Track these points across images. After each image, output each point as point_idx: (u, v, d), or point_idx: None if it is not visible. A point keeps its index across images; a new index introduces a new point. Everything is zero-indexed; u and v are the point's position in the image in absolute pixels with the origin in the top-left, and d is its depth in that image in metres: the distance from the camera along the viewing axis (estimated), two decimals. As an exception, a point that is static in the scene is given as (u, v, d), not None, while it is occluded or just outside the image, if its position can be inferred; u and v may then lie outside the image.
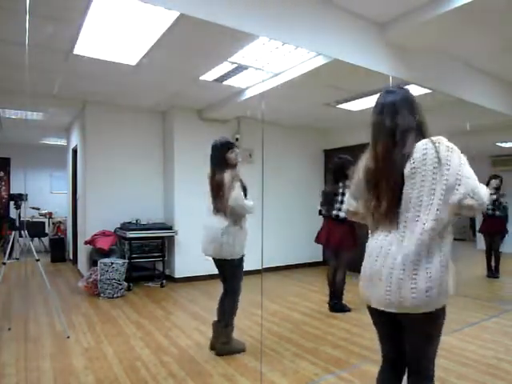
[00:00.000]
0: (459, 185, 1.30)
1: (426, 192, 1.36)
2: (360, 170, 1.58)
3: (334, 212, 4.08)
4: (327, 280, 4.28)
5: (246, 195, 2.96)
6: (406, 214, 1.41)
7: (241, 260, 2.96)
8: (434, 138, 1.39)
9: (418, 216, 1.37)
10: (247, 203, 2.90)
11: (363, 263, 1.55)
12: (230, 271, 2.98)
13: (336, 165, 4.19)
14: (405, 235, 1.40)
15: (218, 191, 2.90)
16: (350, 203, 1.71)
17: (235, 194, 2.83)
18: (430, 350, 1.54)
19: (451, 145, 1.37)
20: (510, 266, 6.31)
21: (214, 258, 2.99)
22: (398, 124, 1.46)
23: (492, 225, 5.90)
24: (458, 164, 1.32)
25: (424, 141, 1.41)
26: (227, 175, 2.87)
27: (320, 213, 4.33)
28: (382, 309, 1.44)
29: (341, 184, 4.07)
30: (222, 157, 2.93)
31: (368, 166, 1.53)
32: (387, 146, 1.46)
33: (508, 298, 5.07)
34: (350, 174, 4.09)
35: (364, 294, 1.54)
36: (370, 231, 1.58)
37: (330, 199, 4.14)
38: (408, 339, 1.53)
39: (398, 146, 1.44)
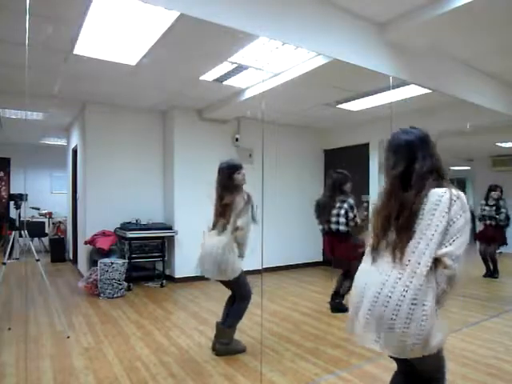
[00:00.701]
0: (450, 244, 1.37)
1: (424, 238, 1.39)
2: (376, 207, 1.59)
3: (334, 226, 4.07)
4: (337, 280, 4.27)
5: (254, 216, 2.98)
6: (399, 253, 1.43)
7: (242, 272, 2.97)
8: (454, 192, 1.40)
9: (409, 260, 1.40)
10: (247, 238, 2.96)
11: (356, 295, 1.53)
12: (235, 285, 3.01)
13: (334, 179, 4.19)
14: (402, 275, 1.41)
15: (225, 211, 2.89)
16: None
17: (247, 220, 2.88)
18: (435, 363, 1.55)
19: (466, 207, 1.40)
20: (509, 267, 6.31)
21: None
22: (415, 169, 1.47)
23: (489, 233, 5.88)
24: (461, 228, 1.37)
25: (444, 189, 1.42)
26: (243, 196, 2.88)
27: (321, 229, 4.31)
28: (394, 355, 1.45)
29: (337, 199, 4.09)
30: (229, 178, 2.93)
31: (381, 202, 1.54)
32: (400, 188, 1.47)
33: (508, 298, 5.08)
34: (347, 190, 4.13)
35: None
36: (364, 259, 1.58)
37: (326, 213, 4.12)
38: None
39: (412, 189, 1.45)
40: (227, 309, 3.12)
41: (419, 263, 1.37)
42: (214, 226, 2.98)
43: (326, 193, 4.26)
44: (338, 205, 4.07)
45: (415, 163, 1.48)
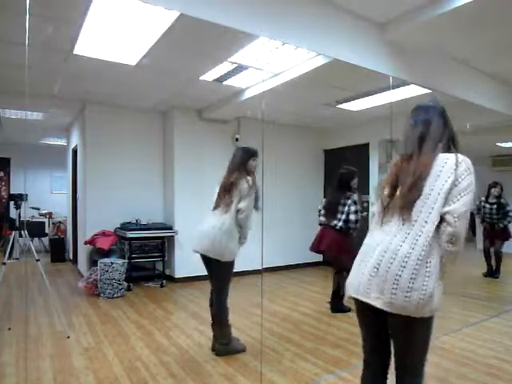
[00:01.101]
0: (454, 202, 1.41)
1: (431, 198, 1.43)
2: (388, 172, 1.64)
3: (335, 222, 4.07)
4: (333, 280, 4.28)
5: (257, 204, 3.00)
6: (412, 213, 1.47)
7: (233, 262, 2.95)
8: (460, 156, 1.46)
9: (415, 221, 1.44)
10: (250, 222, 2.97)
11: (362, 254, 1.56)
12: (222, 271, 2.94)
13: (341, 175, 4.19)
14: (408, 234, 1.44)
15: (230, 190, 2.91)
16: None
17: (248, 203, 2.88)
18: (418, 351, 1.52)
19: (472, 169, 1.45)
20: (510, 267, 6.31)
21: (205, 256, 2.94)
22: (429, 133, 1.55)
23: (495, 234, 5.91)
24: (466, 187, 1.41)
25: (449, 154, 1.49)
26: (247, 180, 2.90)
27: (320, 223, 4.29)
28: (384, 308, 1.43)
29: (343, 195, 4.09)
30: (244, 161, 2.99)
31: (395, 164, 1.60)
32: (416, 150, 1.54)
33: (508, 298, 5.08)
34: (353, 186, 4.13)
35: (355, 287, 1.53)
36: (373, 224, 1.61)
37: (333, 209, 4.13)
38: (394, 339, 1.54)
39: (424, 151, 1.51)
40: (212, 309, 3.08)
41: (426, 221, 1.41)
42: (217, 206, 2.97)
43: (334, 191, 4.24)
44: (342, 201, 4.08)
45: (430, 127, 1.57)
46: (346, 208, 4.03)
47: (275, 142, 6.04)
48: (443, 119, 1.59)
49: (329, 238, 4.06)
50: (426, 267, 1.38)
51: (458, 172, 1.42)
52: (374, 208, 1.66)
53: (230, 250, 2.86)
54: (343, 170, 4.22)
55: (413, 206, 1.45)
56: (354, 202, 4.04)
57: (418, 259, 1.38)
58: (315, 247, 4.21)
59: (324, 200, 4.42)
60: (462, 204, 1.39)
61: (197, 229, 3.03)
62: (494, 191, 5.89)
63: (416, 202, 1.45)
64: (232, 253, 2.88)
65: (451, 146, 1.56)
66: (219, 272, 2.95)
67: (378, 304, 1.42)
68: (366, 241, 1.59)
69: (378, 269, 1.44)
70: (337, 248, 4.01)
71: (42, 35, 3.01)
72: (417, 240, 1.40)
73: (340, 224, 4.03)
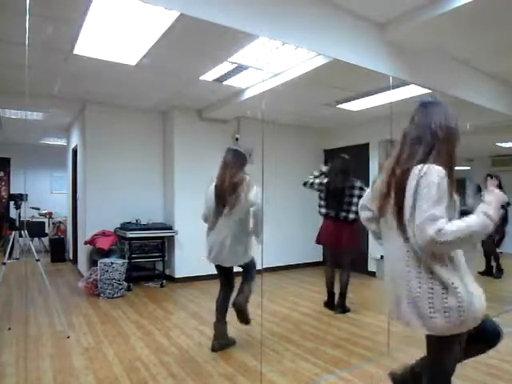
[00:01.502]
0: (413, 220, 1.34)
1: (410, 219, 1.38)
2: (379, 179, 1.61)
3: (344, 214, 4.05)
4: (326, 280, 4.26)
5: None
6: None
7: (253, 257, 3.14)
8: (425, 168, 1.36)
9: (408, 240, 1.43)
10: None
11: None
12: (249, 266, 3.12)
13: (339, 164, 4.16)
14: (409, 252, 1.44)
15: (232, 191, 2.94)
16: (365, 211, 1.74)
17: (253, 193, 2.94)
18: (451, 364, 1.54)
19: (433, 178, 1.32)
20: (509, 267, 6.31)
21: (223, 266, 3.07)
22: (408, 135, 1.47)
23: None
24: (422, 198, 1.32)
25: (418, 168, 1.38)
26: (247, 179, 2.98)
27: (322, 213, 4.26)
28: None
29: (345, 184, 4.05)
30: (242, 166, 3.07)
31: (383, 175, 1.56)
32: (396, 154, 1.51)
33: (508, 298, 5.07)
34: (351, 174, 4.12)
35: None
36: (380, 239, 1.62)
37: (338, 199, 4.08)
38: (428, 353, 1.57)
39: (402, 157, 1.46)
40: (224, 303, 3.12)
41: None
42: (221, 211, 2.98)
43: (338, 178, 4.09)
44: (348, 192, 4.03)
45: (410, 130, 1.48)
46: (355, 199, 3.97)
47: (275, 141, 6.04)
48: (426, 117, 1.46)
49: (347, 233, 4.02)
50: (442, 277, 1.37)
51: (417, 187, 1.34)
52: (364, 201, 1.67)
53: (248, 252, 3.05)
54: (339, 159, 4.18)
55: (404, 226, 1.41)
56: (361, 188, 4.00)
57: (428, 282, 1.38)
58: (333, 240, 4.12)
59: (325, 168, 4.26)
60: (418, 216, 1.31)
61: (209, 239, 3.08)
62: (490, 183, 5.93)
63: (405, 220, 1.40)
64: (249, 254, 3.07)
65: (433, 149, 1.41)
66: (252, 265, 3.13)
67: (425, 331, 1.43)
68: (385, 255, 1.60)
69: (409, 303, 1.43)
70: (357, 243, 4.06)
71: (42, 35, 3.01)
72: (419, 261, 1.40)
73: (351, 216, 3.99)
